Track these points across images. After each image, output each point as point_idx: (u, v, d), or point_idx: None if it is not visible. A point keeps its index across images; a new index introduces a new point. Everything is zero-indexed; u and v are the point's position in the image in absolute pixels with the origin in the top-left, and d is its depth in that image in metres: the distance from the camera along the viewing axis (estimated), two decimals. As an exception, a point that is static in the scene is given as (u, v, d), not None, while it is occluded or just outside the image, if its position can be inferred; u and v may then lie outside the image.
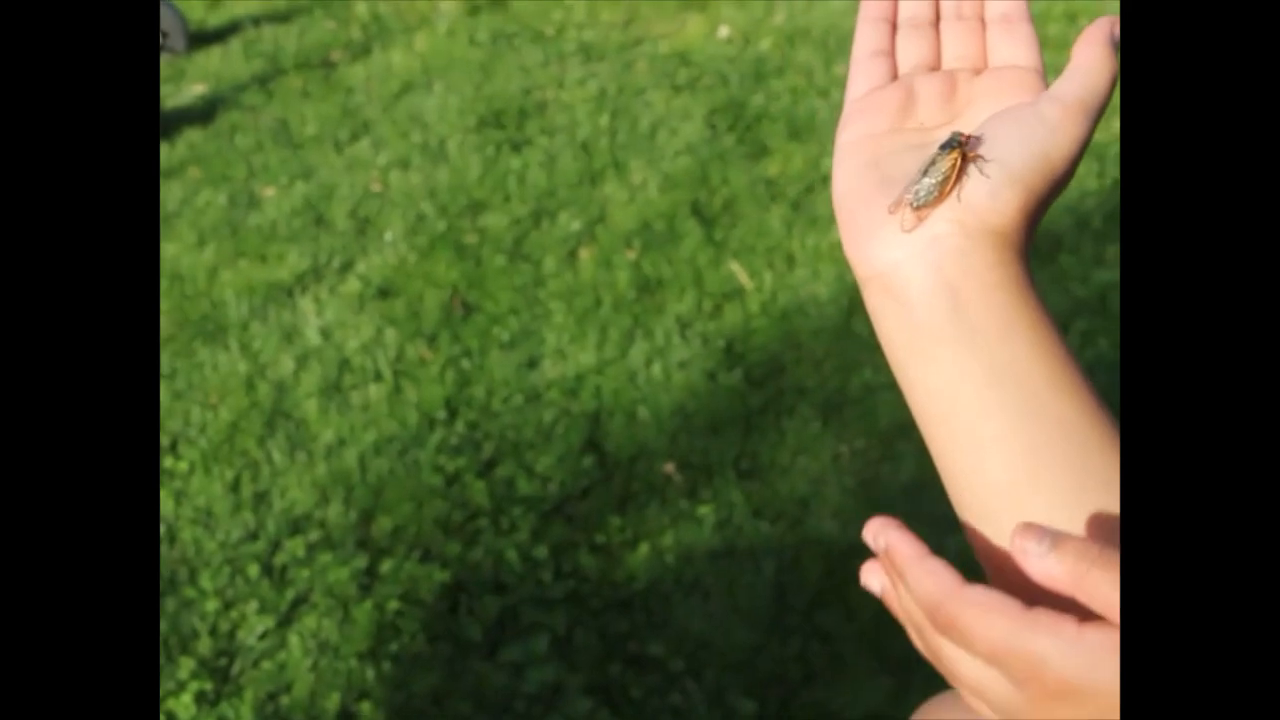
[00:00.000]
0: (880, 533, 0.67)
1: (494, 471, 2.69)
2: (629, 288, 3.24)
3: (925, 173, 0.74)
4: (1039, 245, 3.45)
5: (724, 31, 4.72)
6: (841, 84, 4.24)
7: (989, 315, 0.73)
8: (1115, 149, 3.90)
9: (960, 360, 0.74)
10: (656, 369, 2.96)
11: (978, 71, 0.82)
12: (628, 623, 2.37)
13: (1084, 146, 0.75)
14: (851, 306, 3.10)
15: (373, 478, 2.68)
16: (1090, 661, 0.59)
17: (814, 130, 3.98)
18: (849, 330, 3.02)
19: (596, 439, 2.78)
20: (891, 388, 2.69)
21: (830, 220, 3.52)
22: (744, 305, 3.18)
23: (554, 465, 2.70)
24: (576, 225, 3.49)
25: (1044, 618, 0.60)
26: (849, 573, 2.40)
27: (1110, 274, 3.36)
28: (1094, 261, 3.42)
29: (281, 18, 5.11)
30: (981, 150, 0.75)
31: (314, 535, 2.56)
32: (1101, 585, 0.60)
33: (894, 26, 0.85)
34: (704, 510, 2.58)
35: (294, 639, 2.35)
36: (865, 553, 0.70)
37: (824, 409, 2.83)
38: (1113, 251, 3.45)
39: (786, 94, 4.21)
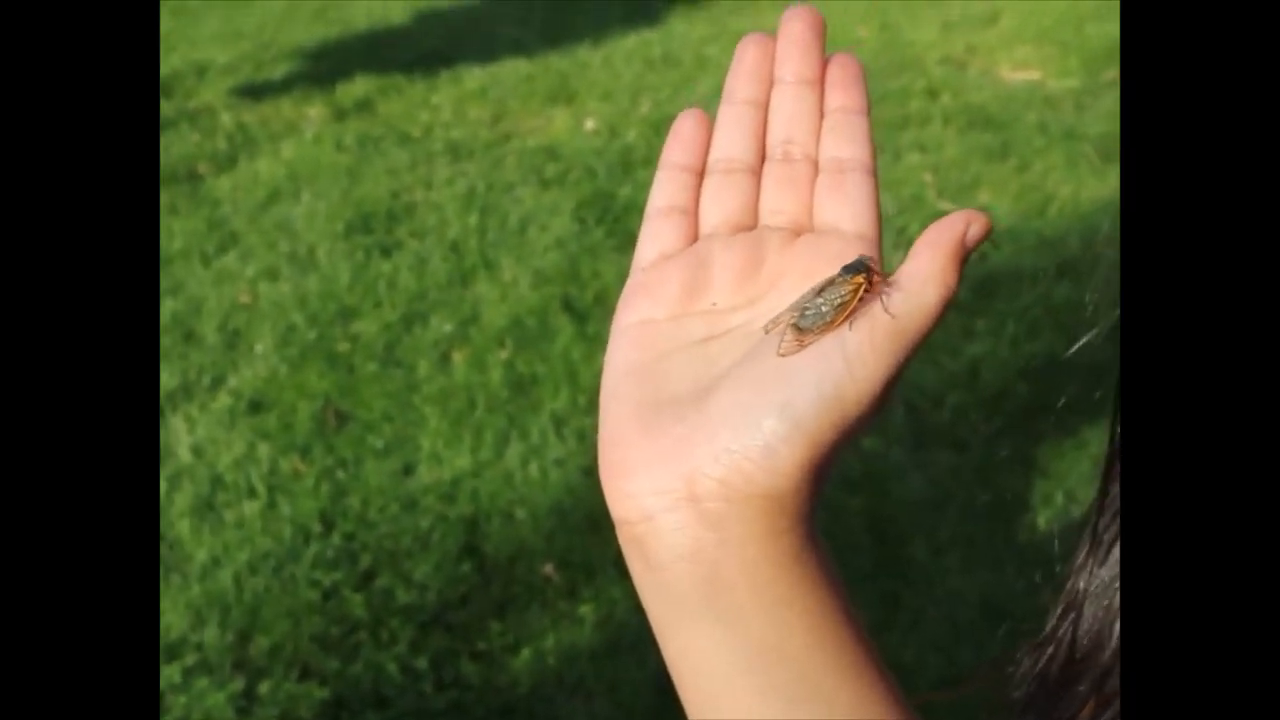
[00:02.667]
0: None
1: (372, 583, 2.67)
2: (503, 387, 3.23)
3: (820, 292, 0.62)
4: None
5: (590, 124, 4.75)
6: (709, 171, 4.27)
7: (751, 593, 0.62)
8: (979, 222, 3.96)
9: (716, 637, 0.62)
10: (533, 468, 2.96)
11: (798, 233, 0.68)
12: (512, 730, 2.35)
13: (892, 384, 0.62)
14: (725, 394, 3.11)
15: (249, 596, 2.65)
16: None
17: (682, 219, 4.00)
18: (723, 418, 3.03)
19: (475, 543, 2.77)
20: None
21: (701, 308, 3.53)
22: (619, 398, 3.18)
23: (432, 573, 2.67)
24: (448, 327, 3.48)
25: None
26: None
27: (978, 347, 3.40)
28: (963, 334, 3.46)
29: (147, 132, 5.08)
30: (762, 380, 0.61)
31: (190, 660, 2.51)
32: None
33: (701, 174, 0.71)
34: (585, 609, 2.57)
35: (172, 768, 2.31)
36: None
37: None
38: (981, 323, 3.50)
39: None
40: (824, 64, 0.69)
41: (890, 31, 5.65)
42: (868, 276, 0.62)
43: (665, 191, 0.71)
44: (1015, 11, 5.91)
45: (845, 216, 0.67)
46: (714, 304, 0.67)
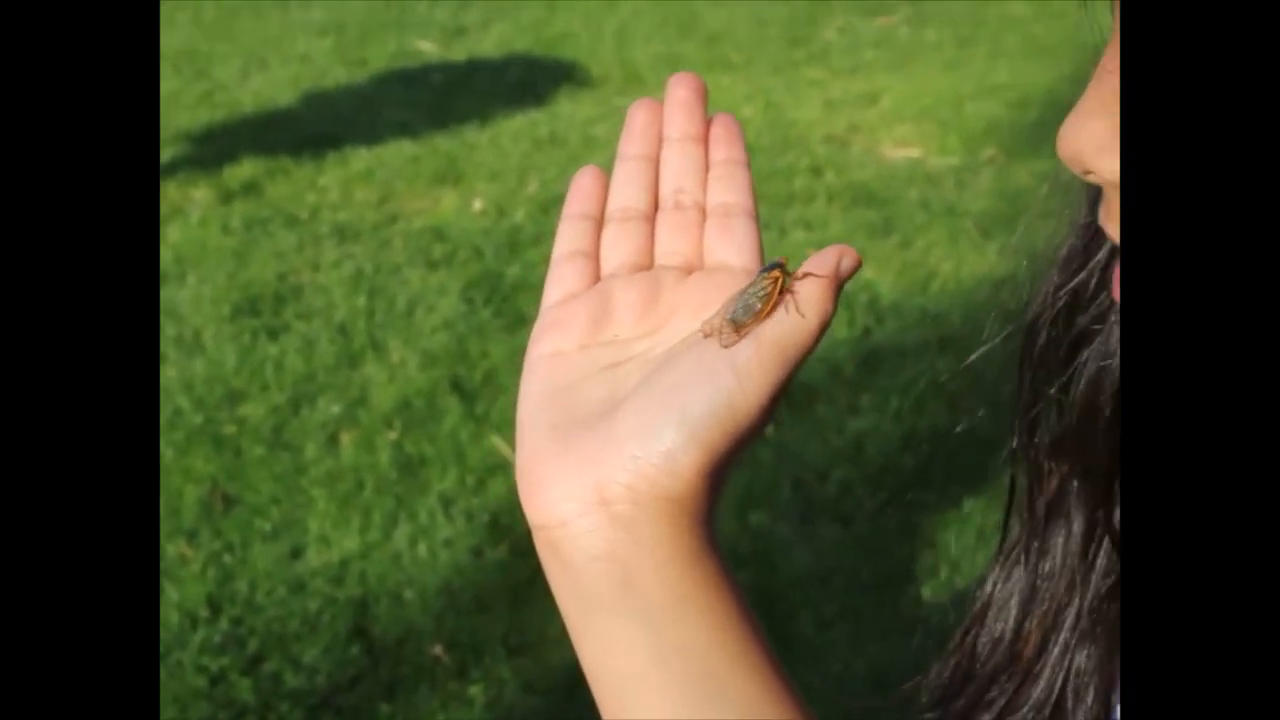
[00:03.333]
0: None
1: (260, 667, 2.65)
2: (391, 468, 3.23)
3: (744, 291, 0.69)
4: (796, 397, 3.52)
5: (478, 204, 4.77)
6: (596, 250, 4.30)
7: (660, 591, 0.67)
8: (863, 296, 4.02)
9: (628, 635, 0.68)
10: (422, 549, 2.95)
11: (690, 271, 0.75)
12: (402, 813, 2.34)
13: (778, 396, 0.68)
14: (613, 472, 3.12)
15: (134, 684, 2.62)
16: None
17: (570, 298, 4.02)
18: (612, 496, 3.04)
19: (363, 625, 2.76)
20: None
21: (589, 386, 3.55)
22: (508, 478, 3.18)
23: (320, 656, 2.66)
24: (336, 409, 3.48)
25: None
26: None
27: (863, 421, 3.44)
28: (848, 410, 3.50)
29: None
30: (662, 395, 0.68)
31: (74, 750, 2.48)
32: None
33: (600, 222, 0.77)
34: (474, 690, 2.57)
35: None
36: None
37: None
38: (866, 398, 3.54)
39: (542, 263, 4.26)
40: (707, 123, 0.76)
41: (775, 110, 5.73)
42: (783, 270, 0.69)
43: (568, 239, 0.76)
44: (896, 91, 6.02)
45: (733, 254, 0.74)
46: (617, 335, 0.73)
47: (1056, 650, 0.78)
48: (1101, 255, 0.77)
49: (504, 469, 3.22)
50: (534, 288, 4.09)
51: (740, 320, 0.68)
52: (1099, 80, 0.59)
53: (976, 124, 5.58)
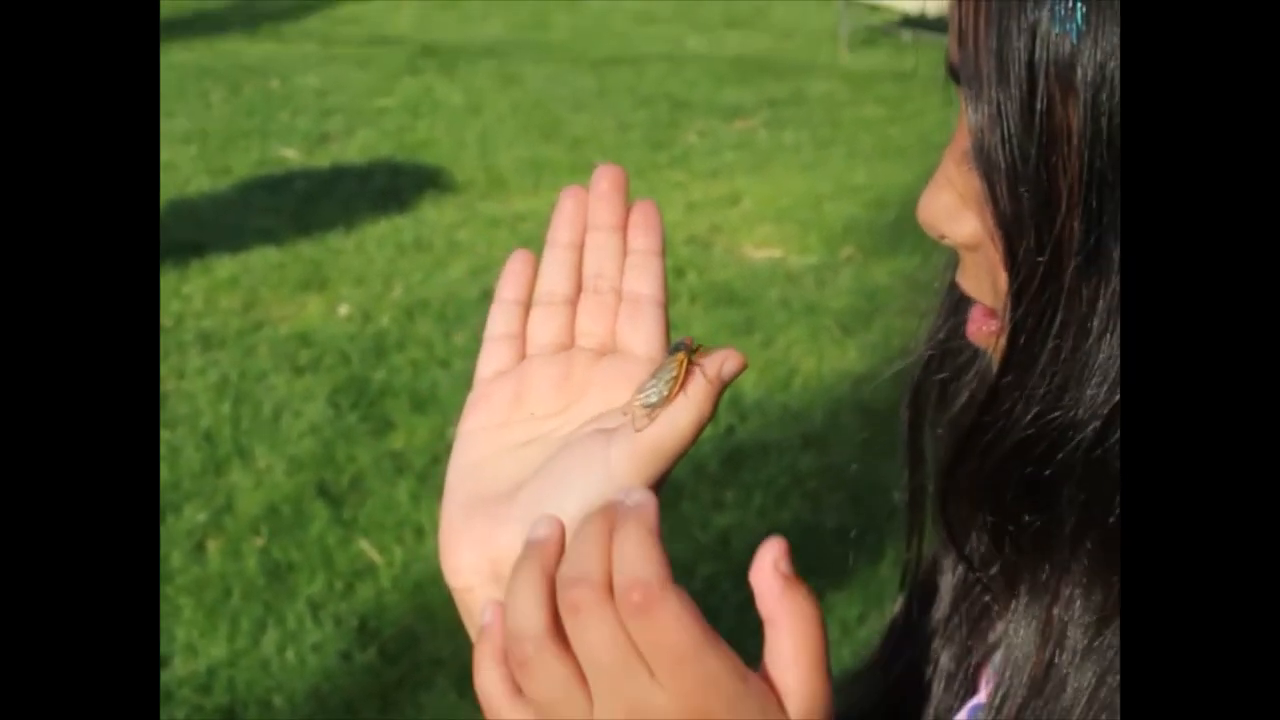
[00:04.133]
0: (638, 490, 0.67)
1: (126, 779, 2.62)
2: (259, 575, 3.22)
3: (654, 375, 0.74)
4: (662, 494, 3.55)
5: (344, 310, 4.79)
6: (462, 353, 4.34)
7: None
8: (726, 394, 4.08)
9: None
10: (290, 655, 2.94)
11: (604, 353, 0.81)
12: None
13: (653, 489, 0.72)
14: (482, 573, 3.14)
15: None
16: (745, 701, 0.64)
17: (437, 401, 4.05)
18: (481, 597, 3.06)
19: (232, 733, 2.74)
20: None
21: (457, 489, 3.57)
22: (376, 581, 3.19)
23: (188, 766, 2.64)
24: (202, 516, 3.46)
25: (724, 645, 0.64)
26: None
27: (728, 518, 3.49)
28: (713, 506, 3.55)
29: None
30: (547, 487, 0.74)
31: None
32: (809, 643, 0.65)
33: (528, 306, 0.83)
34: (345, 795, 2.56)
35: None
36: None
37: (460, 678, 2.84)
38: (730, 494, 3.59)
39: (408, 367, 4.29)
40: (627, 211, 0.82)
41: (637, 213, 5.80)
42: (688, 352, 0.73)
43: (499, 321, 0.83)
44: (756, 193, 6.13)
45: (639, 341, 0.79)
46: (533, 412, 0.80)
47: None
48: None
49: (372, 573, 3.23)
50: (399, 393, 4.11)
51: (651, 404, 0.73)
52: (945, 162, 0.70)
53: (835, 223, 5.70)
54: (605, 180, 0.82)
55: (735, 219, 5.78)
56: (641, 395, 0.74)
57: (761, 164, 6.62)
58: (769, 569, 0.67)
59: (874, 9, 8.81)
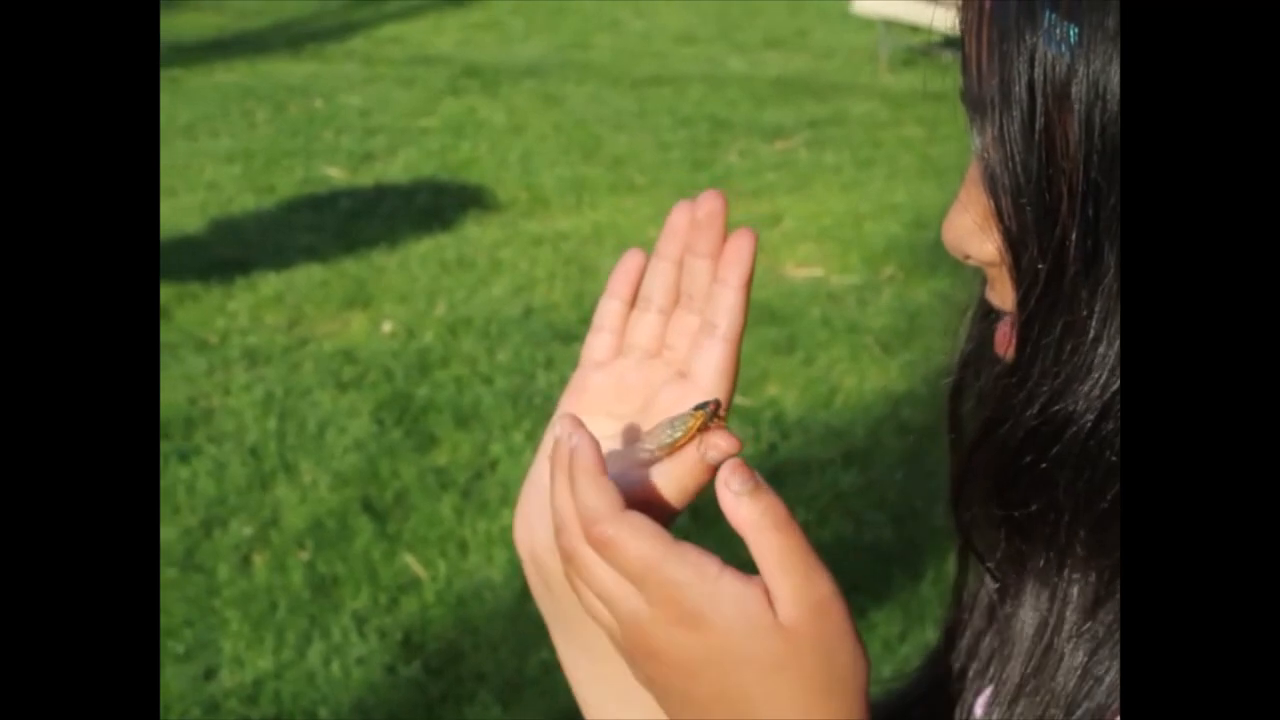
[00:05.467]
0: (574, 432, 0.73)
1: (174, 789, 2.65)
2: (304, 588, 3.25)
3: (671, 424, 0.78)
4: (705, 513, 3.58)
5: (387, 327, 4.82)
6: (505, 370, 4.37)
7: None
8: (768, 413, 4.10)
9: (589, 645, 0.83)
10: (335, 667, 2.97)
11: (680, 369, 0.86)
12: None
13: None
14: (525, 589, 3.15)
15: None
16: (718, 599, 0.70)
17: (480, 417, 4.08)
18: (524, 612, 3.08)
19: (278, 745, 2.77)
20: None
21: (500, 504, 3.60)
22: (420, 596, 3.22)
23: (235, 776, 2.67)
24: (248, 530, 3.50)
25: (691, 553, 0.70)
26: None
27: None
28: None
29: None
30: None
31: None
32: (768, 547, 0.70)
33: (631, 304, 0.88)
34: (390, 806, 2.59)
35: None
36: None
37: (503, 692, 2.87)
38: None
39: (451, 384, 4.32)
40: (723, 238, 0.85)
41: (678, 232, 5.82)
42: (709, 415, 0.77)
43: (605, 314, 0.89)
44: (797, 212, 6.15)
45: (703, 373, 0.83)
46: (609, 411, 0.86)
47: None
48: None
49: (416, 587, 3.26)
50: (443, 409, 4.14)
51: (654, 448, 0.78)
52: (967, 185, 0.74)
53: (876, 243, 5.71)
54: (704, 208, 0.85)
55: (776, 238, 5.79)
56: (653, 441, 0.79)
57: (802, 184, 6.63)
58: (722, 490, 0.72)
59: (914, 29, 8.81)
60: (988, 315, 0.84)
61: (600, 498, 0.71)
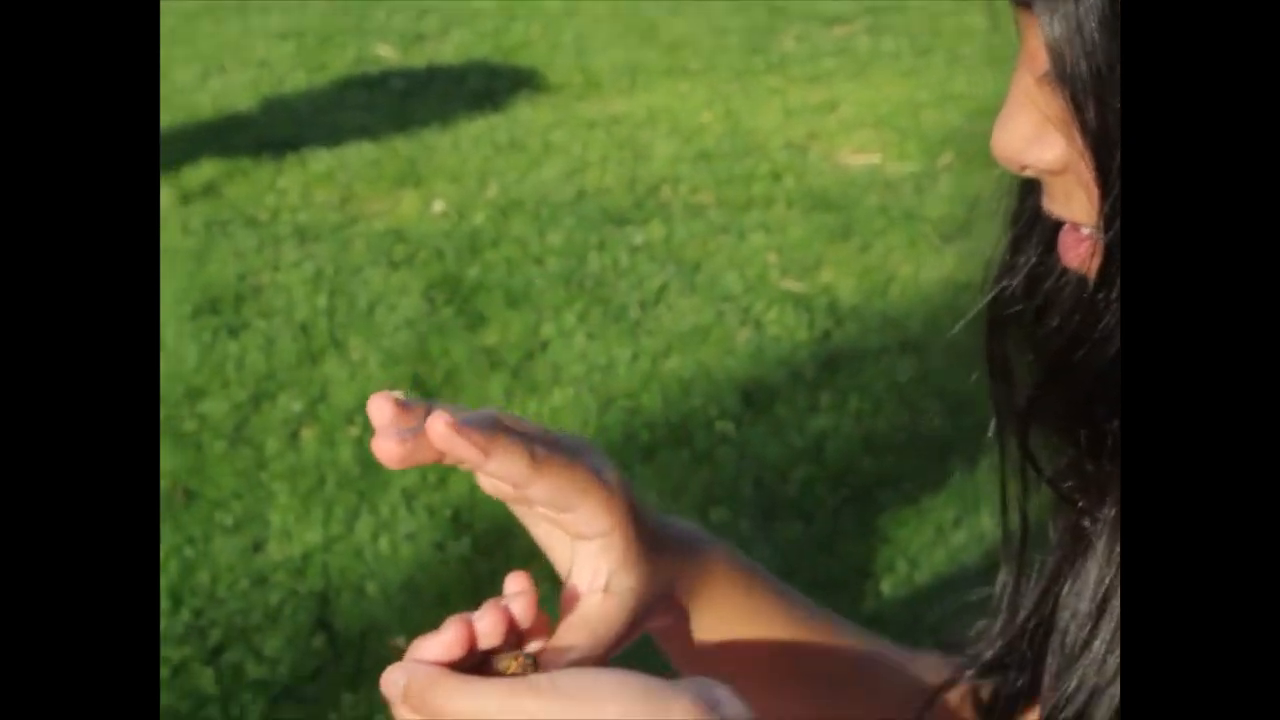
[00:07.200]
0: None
1: (221, 658, 2.65)
2: (353, 464, 3.23)
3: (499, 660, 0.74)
4: (757, 397, 3.55)
5: (438, 206, 4.78)
6: (557, 252, 4.32)
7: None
8: (823, 300, 4.04)
9: None
10: (384, 543, 2.96)
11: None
12: (365, 801, 2.34)
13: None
14: (575, 468, 3.14)
15: (95, 675, 2.62)
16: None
17: (530, 298, 4.04)
18: (574, 491, 3.05)
19: (326, 618, 2.76)
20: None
21: (550, 384, 3.57)
22: (469, 475, 3.19)
23: (283, 647, 2.66)
24: (298, 406, 3.48)
25: (520, 684, 0.67)
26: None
27: (823, 421, 3.46)
28: (809, 410, 3.52)
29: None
30: None
31: (34, 740, 2.47)
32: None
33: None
34: (437, 681, 2.57)
35: None
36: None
37: (553, 573, 2.84)
38: (826, 398, 3.56)
39: (502, 264, 4.27)
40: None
41: (734, 118, 5.75)
42: (524, 667, 0.72)
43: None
44: (854, 99, 6.05)
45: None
46: None
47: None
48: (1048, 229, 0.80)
49: (465, 465, 3.23)
50: (493, 289, 4.10)
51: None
52: (1015, 89, 0.69)
53: (934, 131, 5.62)
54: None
55: (833, 125, 5.71)
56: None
57: (860, 70, 6.52)
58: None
59: (978, -83, 8.66)
60: (1034, 222, 0.78)
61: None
